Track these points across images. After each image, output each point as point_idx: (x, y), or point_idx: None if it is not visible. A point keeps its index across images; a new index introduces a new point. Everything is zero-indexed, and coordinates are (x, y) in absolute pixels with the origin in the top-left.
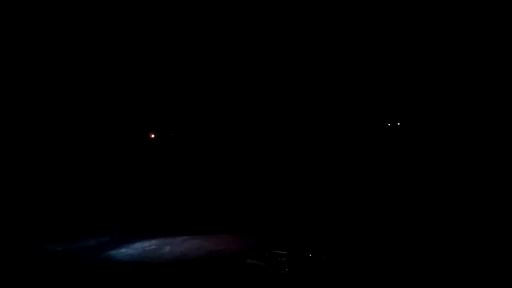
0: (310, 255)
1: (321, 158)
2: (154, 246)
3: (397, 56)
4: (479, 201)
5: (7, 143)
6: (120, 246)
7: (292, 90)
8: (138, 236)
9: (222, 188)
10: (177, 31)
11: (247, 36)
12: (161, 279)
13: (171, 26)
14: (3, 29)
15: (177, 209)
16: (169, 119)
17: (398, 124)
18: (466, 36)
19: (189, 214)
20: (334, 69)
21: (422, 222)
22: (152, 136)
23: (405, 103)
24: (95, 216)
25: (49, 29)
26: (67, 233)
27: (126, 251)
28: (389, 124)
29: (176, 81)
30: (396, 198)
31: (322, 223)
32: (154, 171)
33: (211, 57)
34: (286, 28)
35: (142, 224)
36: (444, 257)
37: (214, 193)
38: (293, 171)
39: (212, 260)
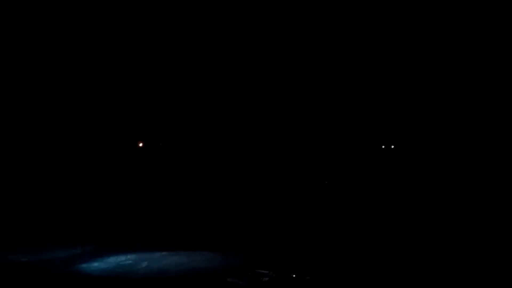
0: (294, 275)
1: (308, 173)
2: (130, 261)
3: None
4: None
5: None
6: (92, 259)
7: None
8: (114, 250)
9: (206, 202)
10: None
11: (236, 33)
12: None
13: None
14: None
15: (157, 223)
16: (154, 129)
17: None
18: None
19: (171, 228)
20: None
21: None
22: (140, 145)
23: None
24: (67, 226)
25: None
26: (35, 243)
27: (99, 265)
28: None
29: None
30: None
31: (309, 242)
32: (135, 182)
33: (203, 56)
34: (276, 28)
35: (119, 237)
36: (440, 263)
37: (198, 208)
38: (280, 188)
39: (191, 278)
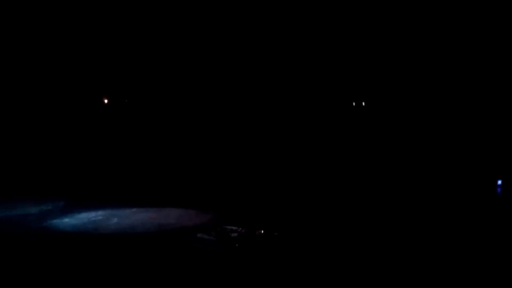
0: (263, 231)
1: (284, 134)
2: (100, 217)
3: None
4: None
5: None
6: (63, 215)
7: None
8: (85, 206)
9: (180, 159)
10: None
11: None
12: (103, 250)
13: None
14: None
15: (130, 180)
16: (126, 83)
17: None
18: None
19: (143, 185)
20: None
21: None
22: (105, 101)
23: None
24: (38, 182)
25: None
26: (4, 199)
27: (70, 221)
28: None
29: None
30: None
31: (282, 200)
32: (108, 138)
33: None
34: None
35: (90, 193)
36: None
37: (171, 165)
38: (256, 144)
39: (161, 234)
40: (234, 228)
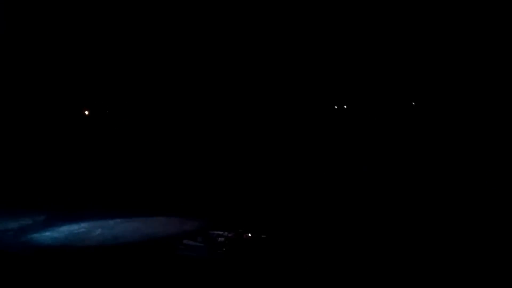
0: (250, 234)
1: (267, 136)
2: (83, 229)
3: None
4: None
5: None
6: (44, 229)
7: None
8: (67, 219)
9: (163, 167)
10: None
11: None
12: (86, 263)
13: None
14: None
15: (113, 190)
16: (106, 94)
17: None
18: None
19: (127, 194)
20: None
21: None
22: (86, 112)
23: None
24: (16, 195)
25: None
26: None
27: (51, 234)
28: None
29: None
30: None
31: (268, 202)
32: (89, 148)
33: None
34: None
35: (71, 206)
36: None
37: (154, 173)
38: (238, 148)
39: (147, 243)
40: (220, 232)
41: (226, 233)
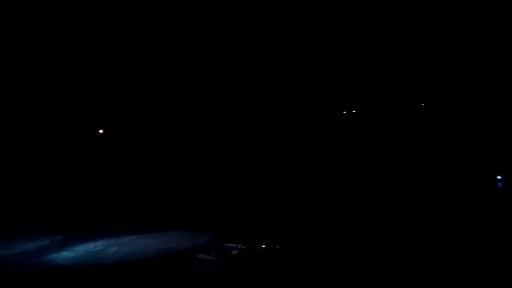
0: (264, 246)
1: (276, 148)
2: (99, 248)
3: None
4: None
5: None
6: (61, 249)
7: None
8: (83, 238)
9: (175, 183)
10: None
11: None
12: (103, 281)
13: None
14: None
15: (127, 207)
16: (119, 114)
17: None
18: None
19: (141, 211)
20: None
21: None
22: (100, 131)
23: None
24: (34, 218)
25: None
26: (2, 238)
27: (68, 254)
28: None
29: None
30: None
31: (278, 215)
32: (102, 169)
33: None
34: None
35: (87, 225)
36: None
37: (167, 189)
38: (247, 162)
39: (162, 258)
40: (234, 245)
41: (239, 245)
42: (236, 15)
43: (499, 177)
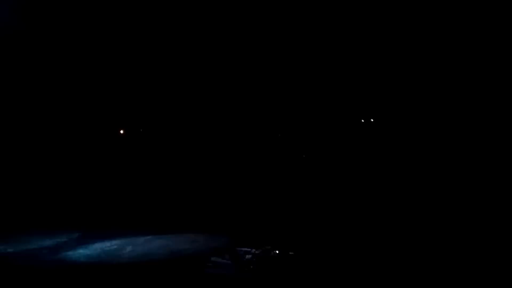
0: (277, 251)
1: (294, 151)
2: (115, 246)
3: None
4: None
5: None
6: (78, 246)
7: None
8: (100, 236)
9: (191, 184)
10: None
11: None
12: (118, 280)
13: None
14: None
15: (143, 207)
16: (138, 114)
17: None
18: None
19: (156, 212)
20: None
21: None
22: (121, 131)
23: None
24: (51, 214)
25: None
26: (19, 233)
27: (84, 251)
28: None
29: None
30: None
31: (294, 219)
32: (119, 168)
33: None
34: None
35: (104, 223)
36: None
37: (183, 190)
38: (264, 164)
39: (176, 260)
40: (248, 249)
41: (253, 250)
42: (252, 14)
43: None
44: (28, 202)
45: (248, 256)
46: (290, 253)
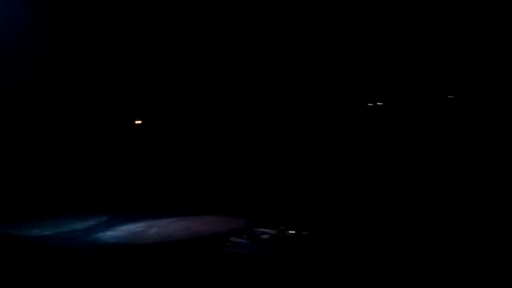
0: (292, 232)
1: (308, 136)
2: (141, 228)
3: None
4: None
5: None
6: (107, 229)
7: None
8: (127, 219)
9: (209, 168)
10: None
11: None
12: (144, 259)
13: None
14: None
15: (165, 192)
16: (157, 103)
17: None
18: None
19: (180, 196)
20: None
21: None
22: (139, 121)
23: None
24: (81, 199)
25: None
26: (52, 217)
27: (113, 233)
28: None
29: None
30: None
31: (308, 201)
32: (140, 154)
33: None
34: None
35: (130, 207)
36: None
37: (201, 174)
38: (279, 147)
39: (197, 240)
40: (264, 230)
41: (269, 230)
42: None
43: None
44: (59, 188)
45: (264, 236)
46: (304, 233)
